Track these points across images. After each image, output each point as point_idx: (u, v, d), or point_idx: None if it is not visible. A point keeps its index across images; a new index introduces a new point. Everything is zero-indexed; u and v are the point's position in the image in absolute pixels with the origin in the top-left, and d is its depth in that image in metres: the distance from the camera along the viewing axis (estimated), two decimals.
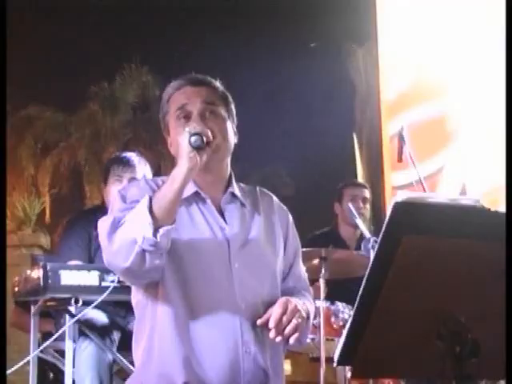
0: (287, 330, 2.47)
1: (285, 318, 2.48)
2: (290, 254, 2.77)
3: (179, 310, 2.46)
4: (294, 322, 2.49)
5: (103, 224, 2.49)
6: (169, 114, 2.66)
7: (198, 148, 2.40)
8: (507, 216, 1.84)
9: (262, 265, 2.62)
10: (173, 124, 2.64)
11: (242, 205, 2.67)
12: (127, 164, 4.33)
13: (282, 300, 2.53)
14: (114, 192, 4.25)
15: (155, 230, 2.32)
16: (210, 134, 2.46)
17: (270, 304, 2.57)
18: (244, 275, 2.55)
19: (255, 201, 2.73)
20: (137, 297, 2.60)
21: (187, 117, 2.59)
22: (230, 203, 2.65)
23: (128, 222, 2.38)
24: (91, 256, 4.23)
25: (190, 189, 2.53)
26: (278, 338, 2.48)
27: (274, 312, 2.48)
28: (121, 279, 3.75)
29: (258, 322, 2.49)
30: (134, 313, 2.67)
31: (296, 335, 2.49)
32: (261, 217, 2.68)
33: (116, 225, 2.40)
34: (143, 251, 2.32)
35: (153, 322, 2.50)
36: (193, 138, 2.41)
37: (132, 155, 4.44)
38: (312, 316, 2.72)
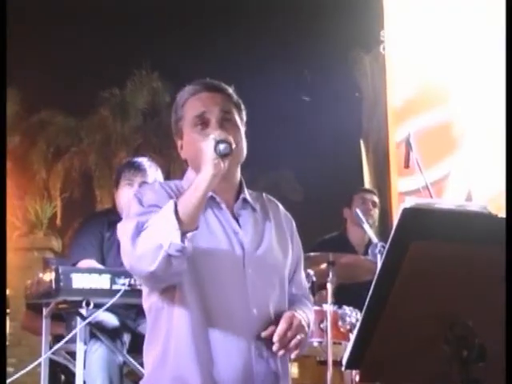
0: (290, 346, 2.50)
1: (289, 334, 2.49)
2: (293, 261, 2.76)
3: (195, 313, 2.45)
4: (298, 338, 2.51)
5: (125, 228, 2.45)
6: (184, 120, 2.64)
7: (225, 155, 2.40)
8: (507, 221, 1.84)
9: (273, 270, 2.62)
10: (188, 130, 2.62)
11: (254, 210, 2.67)
12: (138, 168, 4.34)
13: (287, 315, 2.54)
14: (124, 196, 4.27)
15: (181, 236, 2.31)
16: (233, 141, 2.45)
17: (279, 310, 2.58)
18: (257, 280, 2.54)
19: (264, 207, 2.73)
20: (150, 300, 2.57)
21: (205, 124, 2.58)
22: (243, 209, 2.65)
23: (152, 227, 2.35)
24: (104, 256, 4.24)
25: None
26: (281, 352, 2.49)
27: (280, 327, 2.49)
28: (135, 282, 3.77)
29: (263, 334, 2.49)
30: (146, 316, 2.65)
31: (297, 351, 2.52)
32: (271, 223, 2.69)
33: (139, 229, 2.37)
34: (169, 256, 2.30)
35: (169, 325, 2.48)
36: (222, 146, 2.39)
37: (143, 160, 4.45)
38: (311, 323, 2.73)
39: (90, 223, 4.39)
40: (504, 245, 1.85)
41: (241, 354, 2.47)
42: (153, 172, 4.36)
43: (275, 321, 2.54)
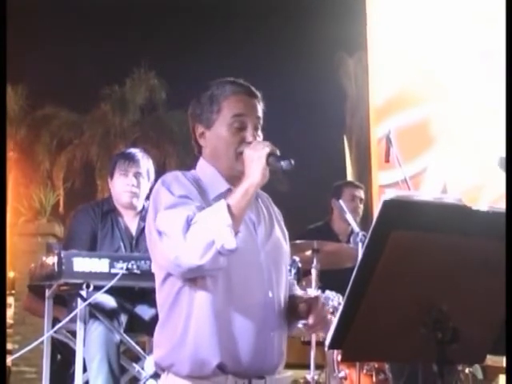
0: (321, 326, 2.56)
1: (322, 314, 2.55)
2: None
3: (217, 296, 2.42)
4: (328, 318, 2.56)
5: (170, 219, 2.39)
6: (220, 114, 2.56)
7: (284, 171, 2.39)
8: (507, 216, 1.84)
9: (280, 257, 2.61)
10: (222, 125, 2.55)
11: (258, 202, 2.66)
12: (132, 159, 4.33)
13: (316, 299, 2.58)
14: (119, 185, 4.29)
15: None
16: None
17: (286, 295, 2.59)
18: (270, 265, 2.54)
19: (262, 199, 2.72)
20: (169, 285, 2.51)
21: (242, 127, 2.54)
22: (254, 200, 2.59)
23: (204, 223, 2.32)
24: (97, 245, 4.22)
25: (224, 186, 2.51)
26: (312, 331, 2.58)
27: (314, 311, 2.53)
28: (132, 267, 3.77)
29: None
30: (161, 300, 2.58)
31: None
32: (271, 213, 2.68)
33: (189, 223, 2.33)
34: (219, 253, 2.29)
35: (189, 307, 2.44)
36: (284, 163, 2.39)
37: (136, 151, 4.44)
38: None
39: (81, 216, 4.35)
40: (478, 234, 1.86)
41: (258, 334, 2.46)
42: (145, 162, 4.35)
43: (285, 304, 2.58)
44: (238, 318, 2.45)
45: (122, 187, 4.30)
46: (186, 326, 2.45)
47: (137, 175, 4.29)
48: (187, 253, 2.33)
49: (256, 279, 2.50)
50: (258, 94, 2.64)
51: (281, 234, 2.67)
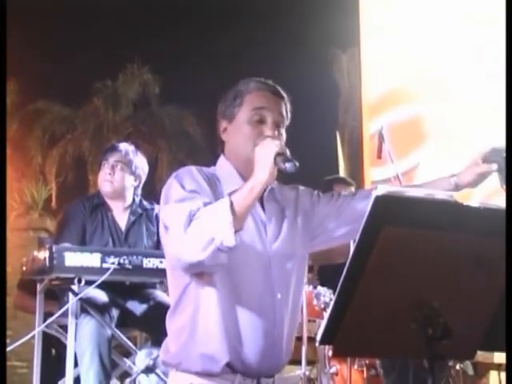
0: None
1: None
2: (321, 205, 2.70)
3: (224, 295, 2.42)
4: None
5: (175, 213, 2.38)
6: (242, 107, 2.56)
7: (288, 172, 2.35)
8: (507, 215, 1.84)
9: (290, 258, 2.57)
10: (243, 119, 2.55)
11: (276, 201, 2.62)
12: (113, 149, 4.37)
13: None
14: (101, 175, 4.31)
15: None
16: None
17: (297, 294, 2.57)
18: (279, 267, 2.51)
19: (281, 203, 2.65)
20: (176, 277, 2.51)
21: (261, 120, 2.53)
22: (269, 199, 2.59)
23: (205, 219, 2.30)
24: (86, 239, 4.22)
25: (239, 183, 2.46)
26: None
27: None
28: (124, 261, 3.78)
29: None
30: (170, 291, 2.58)
31: None
32: (288, 213, 2.62)
33: (191, 218, 2.32)
34: (218, 249, 2.27)
35: (196, 304, 2.44)
36: (288, 165, 2.33)
37: (123, 143, 4.45)
38: None
39: (72, 210, 4.36)
40: (470, 231, 1.86)
41: (266, 334, 2.45)
42: (131, 155, 4.35)
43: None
44: (245, 317, 2.44)
45: (101, 177, 4.33)
46: (194, 323, 2.45)
47: (116, 164, 4.30)
48: (187, 248, 2.31)
49: (263, 279, 2.48)
50: (285, 95, 2.62)
51: (294, 235, 2.60)
